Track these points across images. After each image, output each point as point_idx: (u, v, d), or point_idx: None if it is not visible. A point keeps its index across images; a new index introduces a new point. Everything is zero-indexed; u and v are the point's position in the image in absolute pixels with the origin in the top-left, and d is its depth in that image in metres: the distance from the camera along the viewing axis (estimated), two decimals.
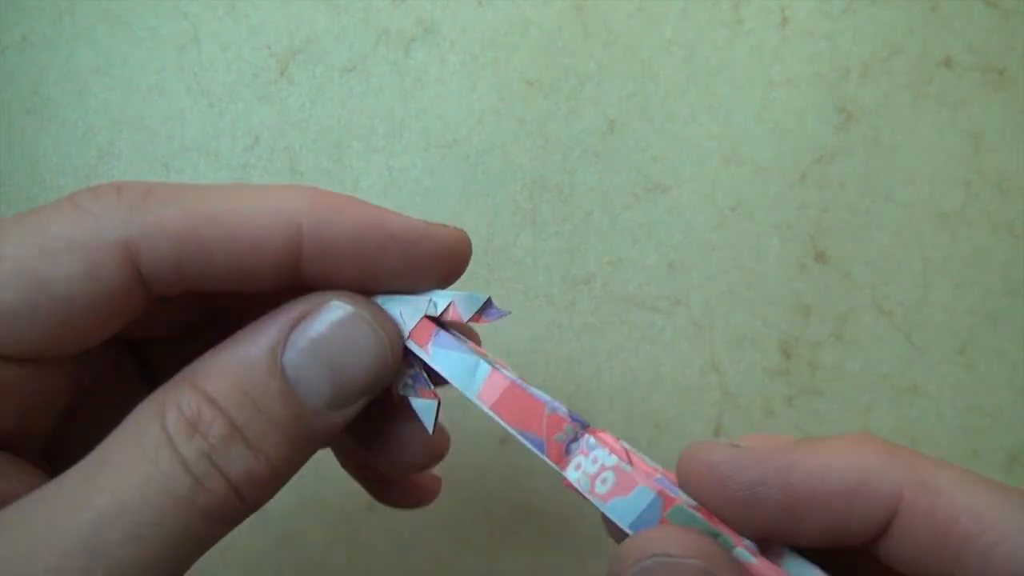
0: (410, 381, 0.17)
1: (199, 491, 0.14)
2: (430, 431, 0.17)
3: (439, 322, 0.17)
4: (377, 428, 0.20)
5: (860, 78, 0.34)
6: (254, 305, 0.17)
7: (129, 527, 0.14)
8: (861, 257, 0.32)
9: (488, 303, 0.17)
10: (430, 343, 0.17)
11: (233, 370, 0.15)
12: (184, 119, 0.33)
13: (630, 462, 0.16)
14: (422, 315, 0.17)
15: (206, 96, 0.33)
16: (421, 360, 0.17)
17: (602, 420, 0.30)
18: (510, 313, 0.17)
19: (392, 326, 0.17)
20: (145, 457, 0.14)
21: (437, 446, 0.20)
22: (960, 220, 0.32)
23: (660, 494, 0.16)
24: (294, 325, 0.16)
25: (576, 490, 0.16)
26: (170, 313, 0.19)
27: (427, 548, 0.29)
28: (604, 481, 0.16)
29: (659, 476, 0.16)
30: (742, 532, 0.16)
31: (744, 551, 0.15)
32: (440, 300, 0.17)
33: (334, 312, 0.16)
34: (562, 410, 0.17)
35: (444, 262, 0.18)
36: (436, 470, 0.22)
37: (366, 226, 0.17)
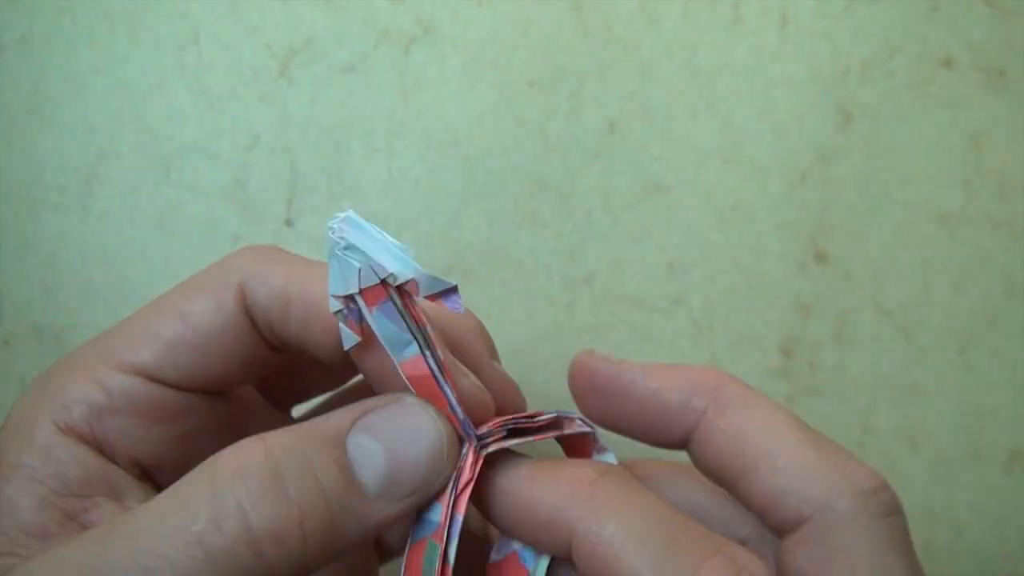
0: (347, 312, 0.18)
1: (210, 530, 0.14)
2: (345, 348, 0.18)
3: (399, 290, 0.18)
4: None
5: (860, 78, 0.34)
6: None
7: (144, 560, 0.14)
8: (861, 257, 0.32)
9: (452, 290, 0.18)
10: (376, 307, 0.18)
11: (300, 432, 0.16)
12: (184, 119, 0.33)
13: (458, 491, 0.18)
14: (379, 279, 0.17)
15: (206, 96, 0.33)
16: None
17: None
18: (464, 311, 0.18)
19: (451, 427, 0.18)
20: (186, 512, 0.15)
21: None
22: (960, 220, 0.32)
23: (439, 526, 0.17)
24: (367, 411, 0.17)
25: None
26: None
27: None
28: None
29: (459, 517, 0.17)
30: (592, 419, 0.20)
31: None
32: (406, 273, 0.18)
33: (402, 403, 0.18)
34: (460, 415, 0.18)
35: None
36: None
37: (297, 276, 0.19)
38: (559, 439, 0.21)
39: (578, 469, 0.18)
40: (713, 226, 0.32)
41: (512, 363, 0.31)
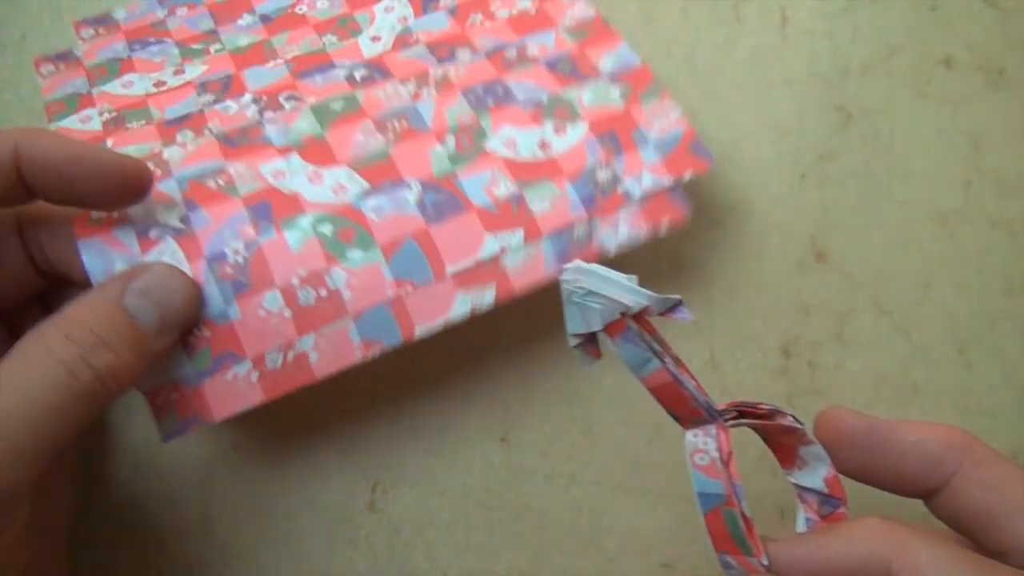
0: (584, 343, 0.21)
1: (71, 379, 0.21)
2: (587, 368, 0.24)
3: (635, 318, 0.21)
4: None
5: (860, 78, 0.34)
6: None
7: (24, 410, 0.20)
8: (861, 257, 0.32)
9: (679, 304, 0.21)
10: (618, 336, 0.21)
11: (93, 306, 0.23)
12: None
13: (725, 461, 0.21)
14: (618, 314, 0.20)
15: None
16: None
17: (602, 420, 0.30)
18: (692, 320, 0.23)
19: (194, 280, 0.25)
20: (31, 368, 0.21)
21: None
22: (960, 220, 0.32)
23: (727, 495, 0.20)
24: (131, 279, 0.23)
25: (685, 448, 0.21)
26: (20, 284, 0.26)
27: (427, 548, 0.29)
28: (701, 458, 0.21)
29: (738, 483, 0.21)
30: (840, 469, 0.22)
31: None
32: (640, 302, 0.21)
33: (155, 268, 0.24)
34: (704, 402, 0.21)
35: (124, 181, 0.24)
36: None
37: (65, 148, 0.23)
38: (761, 432, 0.23)
39: (867, 520, 0.20)
40: (714, 226, 0.32)
41: (513, 363, 0.31)
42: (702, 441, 0.21)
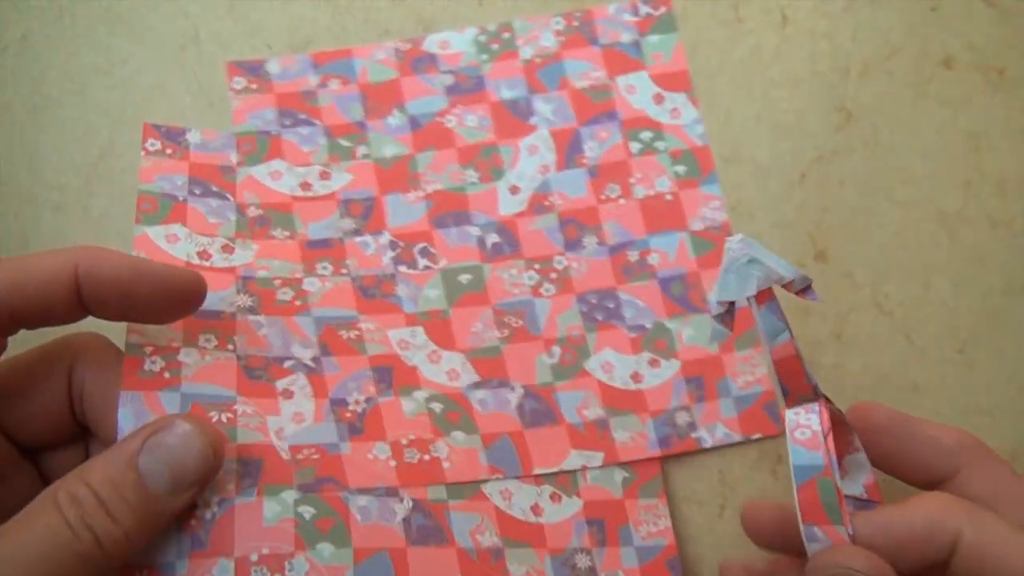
0: (725, 314, 0.25)
1: (74, 540, 0.21)
2: (717, 343, 0.30)
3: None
4: None
5: (860, 78, 0.34)
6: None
7: (25, 564, 0.20)
8: (861, 257, 0.32)
9: (809, 287, 0.24)
10: (764, 305, 0.24)
11: (105, 465, 0.23)
12: (184, 118, 0.33)
13: (825, 436, 0.23)
14: (770, 284, 0.24)
15: (206, 95, 0.33)
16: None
17: None
18: (821, 299, 0.26)
19: (217, 436, 0.24)
20: (40, 521, 0.21)
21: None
22: (960, 220, 0.32)
23: (825, 466, 0.23)
24: (149, 436, 0.23)
25: (785, 423, 0.24)
26: (56, 425, 0.26)
27: None
28: (803, 433, 0.23)
29: (834, 457, 0.23)
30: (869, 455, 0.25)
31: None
32: (791, 275, 0.24)
33: (176, 427, 0.23)
34: (814, 382, 0.24)
35: (183, 295, 0.25)
36: None
37: (126, 267, 0.24)
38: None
39: (937, 494, 0.23)
40: None
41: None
42: (804, 417, 0.23)
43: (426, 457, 0.28)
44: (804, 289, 0.24)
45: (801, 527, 0.23)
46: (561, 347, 0.30)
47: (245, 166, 0.31)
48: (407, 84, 0.33)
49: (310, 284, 0.30)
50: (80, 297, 0.24)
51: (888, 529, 0.22)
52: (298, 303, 0.29)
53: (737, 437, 0.30)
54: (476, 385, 0.29)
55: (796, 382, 0.24)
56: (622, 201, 0.32)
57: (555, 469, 0.29)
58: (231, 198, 0.30)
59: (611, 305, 0.31)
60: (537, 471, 0.29)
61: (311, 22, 0.34)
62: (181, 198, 0.30)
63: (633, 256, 0.31)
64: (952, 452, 0.24)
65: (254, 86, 0.32)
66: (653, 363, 0.30)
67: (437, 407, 0.29)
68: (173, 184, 0.30)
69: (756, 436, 0.30)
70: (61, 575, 0.21)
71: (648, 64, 0.33)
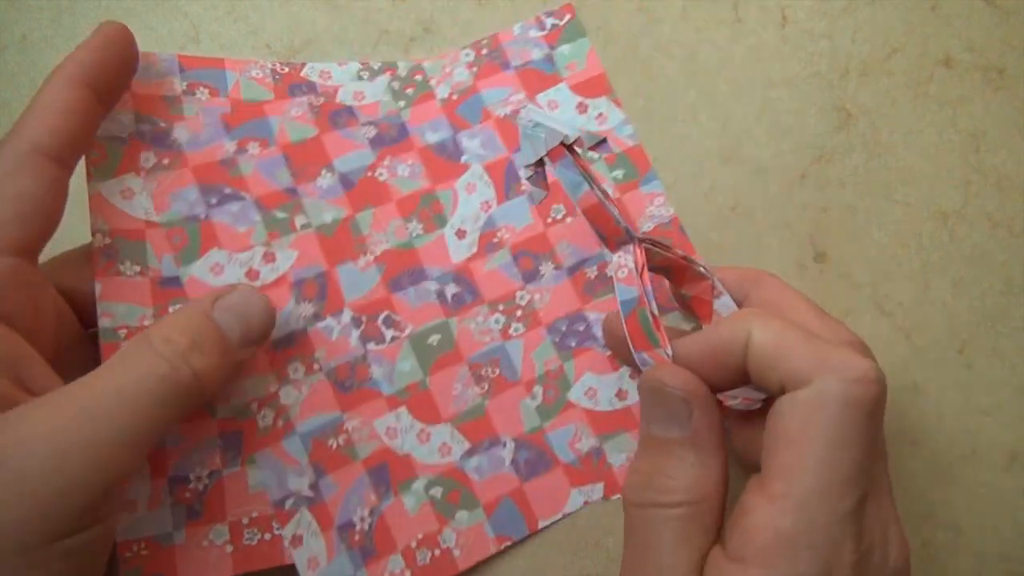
0: (535, 176, 0.27)
1: (174, 371, 0.23)
2: (537, 202, 0.31)
3: (570, 148, 0.26)
4: None
5: (860, 78, 0.34)
6: None
7: (129, 397, 0.22)
8: (861, 257, 0.32)
9: (604, 140, 0.27)
10: (558, 163, 0.26)
11: (188, 316, 0.25)
12: None
13: (640, 272, 0.25)
14: (559, 143, 0.25)
15: None
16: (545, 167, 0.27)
17: None
18: (616, 152, 0.30)
19: (270, 301, 0.27)
20: (138, 360, 0.23)
21: None
22: (960, 219, 0.32)
23: (639, 297, 0.25)
24: (219, 296, 0.26)
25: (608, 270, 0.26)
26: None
27: None
28: (622, 272, 0.26)
29: (648, 288, 0.25)
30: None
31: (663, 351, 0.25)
32: (574, 133, 0.26)
33: (240, 288, 0.26)
34: (623, 224, 0.26)
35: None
36: None
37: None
38: (671, 274, 0.28)
39: (747, 308, 0.26)
40: (713, 226, 0.32)
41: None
42: (623, 259, 0.26)
43: (436, 552, 0.28)
44: (597, 144, 0.27)
45: (633, 354, 0.25)
46: (542, 385, 0.30)
47: (183, 266, 0.29)
48: (330, 141, 0.31)
49: (286, 396, 0.29)
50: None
51: (698, 345, 0.24)
52: (280, 423, 0.28)
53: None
54: (468, 453, 0.29)
55: (608, 227, 0.26)
56: (569, 220, 0.31)
57: (559, 516, 0.29)
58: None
59: (581, 328, 0.31)
60: (542, 524, 0.29)
61: (311, 22, 0.34)
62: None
63: (591, 272, 0.31)
64: (738, 281, 0.27)
65: (166, 160, 0.29)
66: (634, 376, 0.30)
67: (437, 492, 0.29)
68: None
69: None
70: (163, 405, 0.23)
71: (564, 76, 0.33)
